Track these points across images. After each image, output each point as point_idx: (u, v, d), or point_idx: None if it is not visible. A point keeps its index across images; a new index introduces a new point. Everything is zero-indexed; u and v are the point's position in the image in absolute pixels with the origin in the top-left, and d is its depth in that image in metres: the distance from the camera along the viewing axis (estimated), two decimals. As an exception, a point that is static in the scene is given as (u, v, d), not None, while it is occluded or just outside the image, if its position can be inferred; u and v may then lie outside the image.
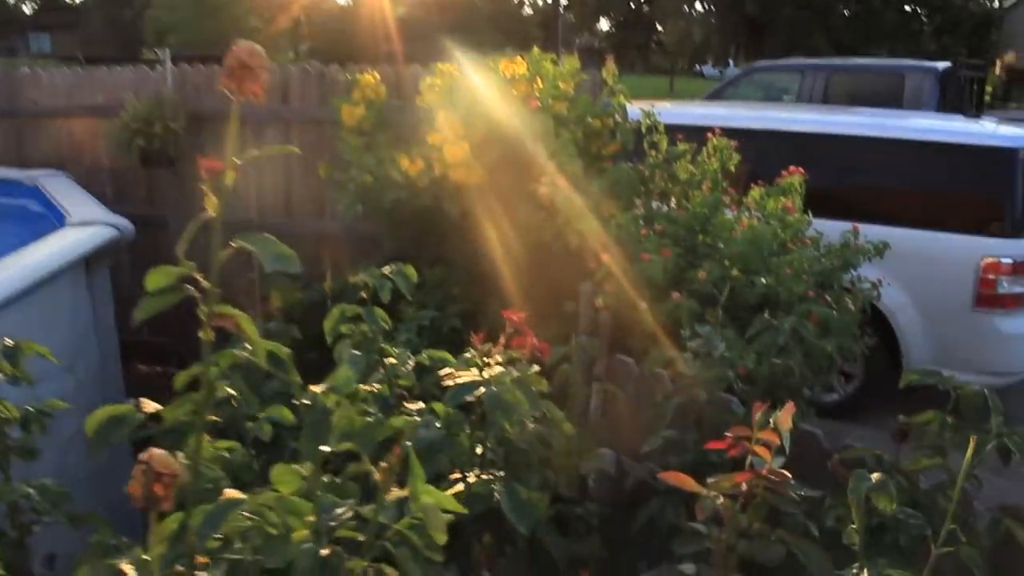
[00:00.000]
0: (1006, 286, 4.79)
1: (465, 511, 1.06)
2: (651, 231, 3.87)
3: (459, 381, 1.61)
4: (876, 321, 4.83)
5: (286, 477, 1.04)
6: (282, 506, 1.03)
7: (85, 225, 3.76)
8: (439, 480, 1.78)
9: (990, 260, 4.78)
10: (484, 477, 1.72)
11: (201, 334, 1.10)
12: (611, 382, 2.95)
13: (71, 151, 5.47)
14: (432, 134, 4.01)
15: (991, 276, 4.78)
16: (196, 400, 1.09)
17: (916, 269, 4.89)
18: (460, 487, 1.69)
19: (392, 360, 1.89)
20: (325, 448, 0.97)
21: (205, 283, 1.06)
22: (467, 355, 1.76)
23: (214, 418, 1.17)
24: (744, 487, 1.56)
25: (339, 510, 1.08)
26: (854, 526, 1.33)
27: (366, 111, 4.35)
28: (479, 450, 1.83)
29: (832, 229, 4.13)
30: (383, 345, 1.88)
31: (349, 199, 4.34)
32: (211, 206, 1.07)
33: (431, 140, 4.00)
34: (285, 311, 4.46)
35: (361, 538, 1.06)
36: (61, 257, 3.39)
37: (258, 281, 5.06)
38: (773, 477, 1.49)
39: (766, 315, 2.39)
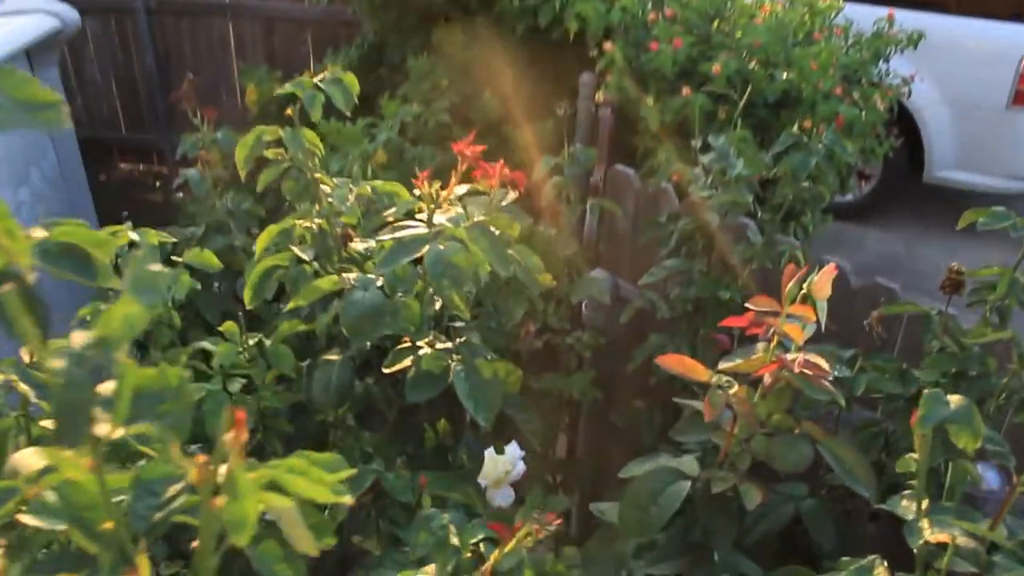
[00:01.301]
0: (1048, 82, 4.20)
1: (351, 501, 0.66)
2: (660, 16, 3.28)
3: (400, 235, 1.18)
4: (900, 118, 4.28)
5: (66, 460, 0.62)
6: (67, 498, 0.63)
7: (20, 13, 3.18)
8: (389, 342, 1.39)
9: (1034, 52, 4.16)
10: (440, 347, 1.32)
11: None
12: (609, 195, 2.51)
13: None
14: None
15: (1033, 70, 4.18)
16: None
17: (950, 61, 4.28)
18: (408, 362, 1.30)
19: (327, 188, 1.44)
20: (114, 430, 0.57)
21: None
22: (418, 192, 1.31)
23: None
24: (768, 379, 1.16)
25: (173, 488, 0.69)
26: (914, 455, 0.94)
27: None
28: (438, 304, 1.42)
29: (860, 15, 3.51)
30: (318, 174, 1.44)
31: (324, -23, 3.72)
32: None
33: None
34: (261, 107, 3.94)
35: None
36: (-4, 50, 2.87)
37: (236, 75, 4.51)
38: (807, 371, 1.09)
39: (794, 128, 1.91)
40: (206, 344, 1.46)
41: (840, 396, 1.46)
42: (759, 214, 1.95)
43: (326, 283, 1.27)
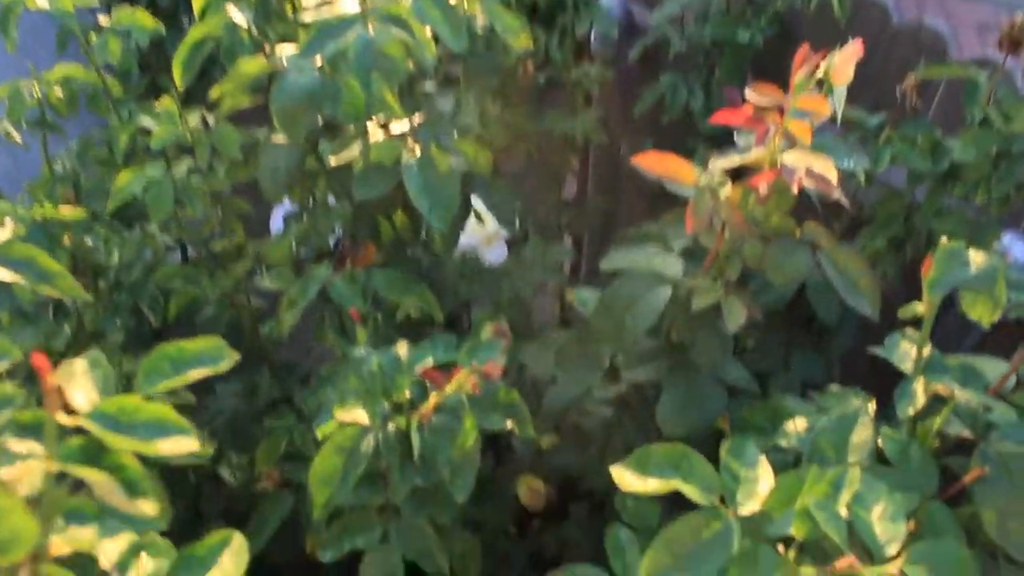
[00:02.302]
0: None
1: (202, 450, 0.52)
2: None
3: (323, 16, 0.94)
4: None
5: None
6: None
7: None
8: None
9: None
10: (396, 130, 1.12)
11: None
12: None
13: None
14: None
15: None
16: None
17: None
18: (355, 151, 1.10)
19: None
20: None
21: None
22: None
23: None
24: (764, 189, 0.96)
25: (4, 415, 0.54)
26: (919, 305, 0.76)
27: None
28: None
29: None
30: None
31: None
32: None
33: None
34: None
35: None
36: None
37: None
38: (819, 186, 0.88)
39: None
40: (149, 121, 1.27)
41: (861, 169, 1.26)
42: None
43: (252, 66, 1.05)
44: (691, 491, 0.74)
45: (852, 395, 0.93)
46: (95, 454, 0.51)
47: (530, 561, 1.76)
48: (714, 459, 0.80)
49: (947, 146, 1.26)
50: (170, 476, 1.44)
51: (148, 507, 0.51)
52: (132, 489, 0.52)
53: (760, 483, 0.76)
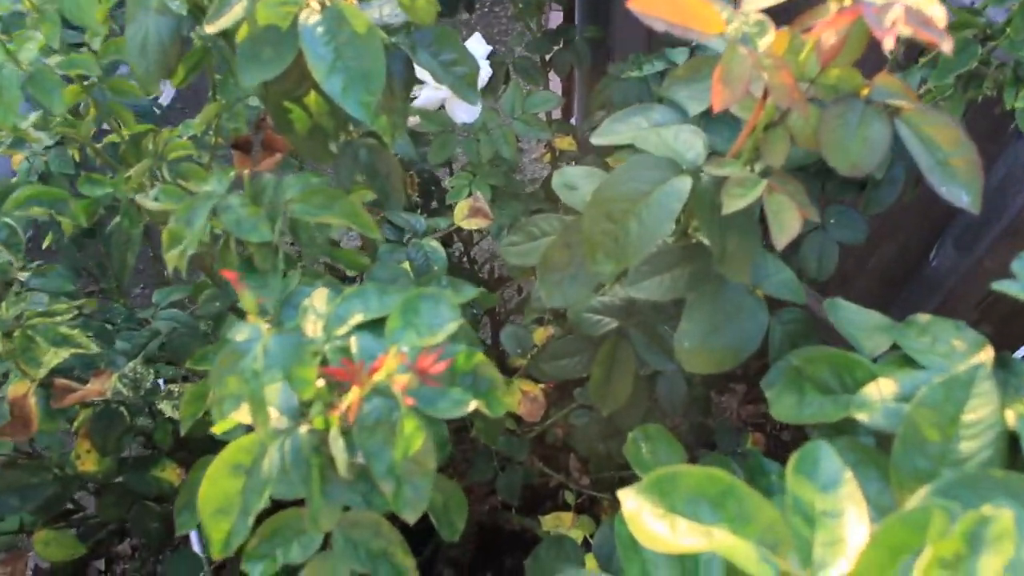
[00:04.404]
0: None
1: None
2: None
3: None
4: None
5: None
6: None
7: None
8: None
9: None
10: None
11: None
12: None
13: None
14: None
15: None
16: None
17: None
18: (239, 11, 0.75)
19: None
20: None
21: None
22: None
23: None
24: (830, 39, 0.61)
25: None
26: None
27: None
28: None
29: None
30: None
31: None
32: None
33: None
34: None
35: None
36: None
37: None
38: (921, 33, 0.54)
39: None
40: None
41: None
42: None
43: None
44: (745, 553, 0.45)
45: (953, 330, 0.62)
46: None
47: (533, 451, 1.54)
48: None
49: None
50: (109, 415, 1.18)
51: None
52: None
53: (845, 521, 0.48)
